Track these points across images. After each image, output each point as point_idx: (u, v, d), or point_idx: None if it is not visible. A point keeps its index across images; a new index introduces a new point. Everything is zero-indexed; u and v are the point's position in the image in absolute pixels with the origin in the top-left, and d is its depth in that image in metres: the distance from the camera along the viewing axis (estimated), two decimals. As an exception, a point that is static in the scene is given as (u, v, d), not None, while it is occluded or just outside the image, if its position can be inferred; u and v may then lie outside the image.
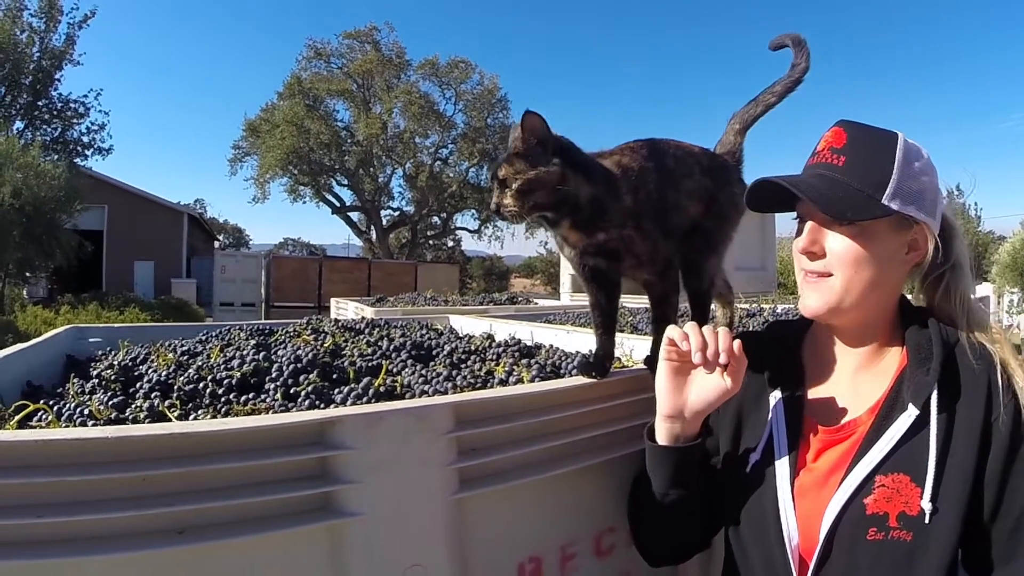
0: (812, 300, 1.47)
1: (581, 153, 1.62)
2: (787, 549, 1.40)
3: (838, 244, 1.42)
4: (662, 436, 1.51)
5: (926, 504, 1.29)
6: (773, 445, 1.50)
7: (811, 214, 1.45)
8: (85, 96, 28.34)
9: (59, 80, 27.47)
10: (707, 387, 1.45)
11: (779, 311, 4.13)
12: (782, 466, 1.46)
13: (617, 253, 1.64)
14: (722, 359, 1.41)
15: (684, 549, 1.66)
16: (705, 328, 1.44)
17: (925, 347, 1.43)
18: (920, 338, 1.45)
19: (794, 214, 1.51)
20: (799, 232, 1.48)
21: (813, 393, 1.55)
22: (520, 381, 1.87)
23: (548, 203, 1.56)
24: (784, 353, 1.61)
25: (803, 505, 1.41)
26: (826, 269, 1.44)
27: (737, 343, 1.42)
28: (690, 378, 1.48)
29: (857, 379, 1.51)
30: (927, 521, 1.29)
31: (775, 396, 1.54)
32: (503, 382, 1.88)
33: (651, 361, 1.72)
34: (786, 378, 1.56)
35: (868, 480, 1.35)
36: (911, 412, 1.36)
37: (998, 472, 1.31)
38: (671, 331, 1.47)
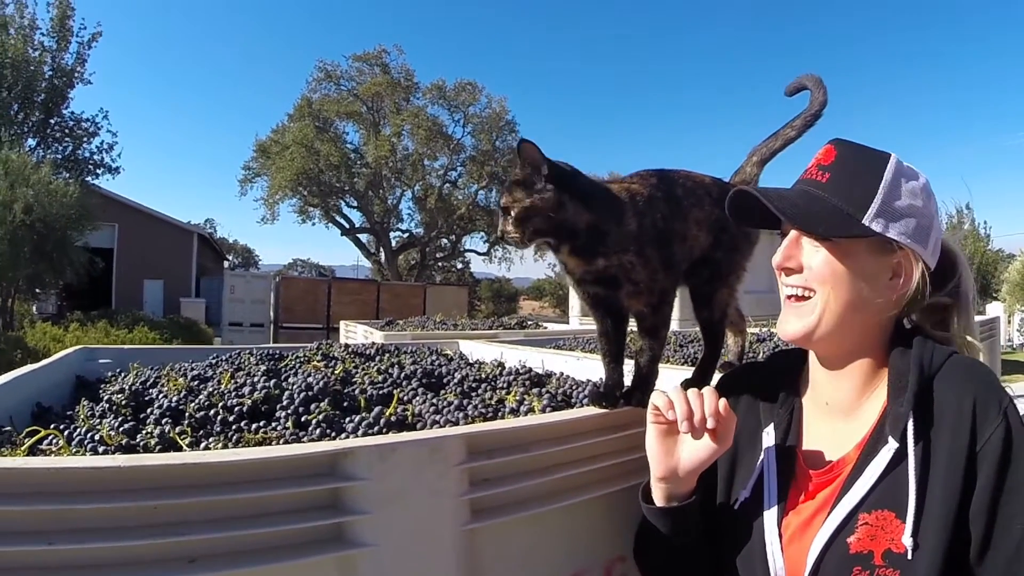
0: (790, 324, 1.45)
1: (580, 179, 1.62)
2: None
3: (815, 260, 1.40)
4: (658, 497, 1.50)
5: (907, 540, 1.24)
6: (763, 485, 1.47)
7: (791, 230, 1.44)
8: (96, 115, 28.57)
9: (71, 98, 27.69)
10: (698, 447, 1.43)
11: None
12: (769, 506, 1.43)
13: (616, 280, 1.63)
14: (709, 424, 1.39)
15: None
16: (690, 392, 1.42)
17: (903, 375, 1.38)
18: (901, 365, 1.40)
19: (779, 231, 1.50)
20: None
21: (808, 429, 1.52)
22: (531, 410, 1.86)
23: (546, 229, 1.57)
24: (781, 387, 1.58)
25: (791, 547, 1.38)
26: (805, 285, 1.41)
27: (723, 403, 1.40)
28: (680, 438, 1.46)
29: (849, 414, 1.47)
30: (909, 557, 1.24)
31: (768, 434, 1.52)
32: (514, 411, 1.88)
33: (630, 395, 1.72)
34: (780, 415, 1.54)
35: (850, 519, 1.31)
36: (891, 445, 1.31)
37: (986, 502, 1.25)
38: (656, 398, 1.45)
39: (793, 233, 1.43)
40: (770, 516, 1.42)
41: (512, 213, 1.57)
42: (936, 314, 1.50)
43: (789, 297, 1.45)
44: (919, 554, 1.24)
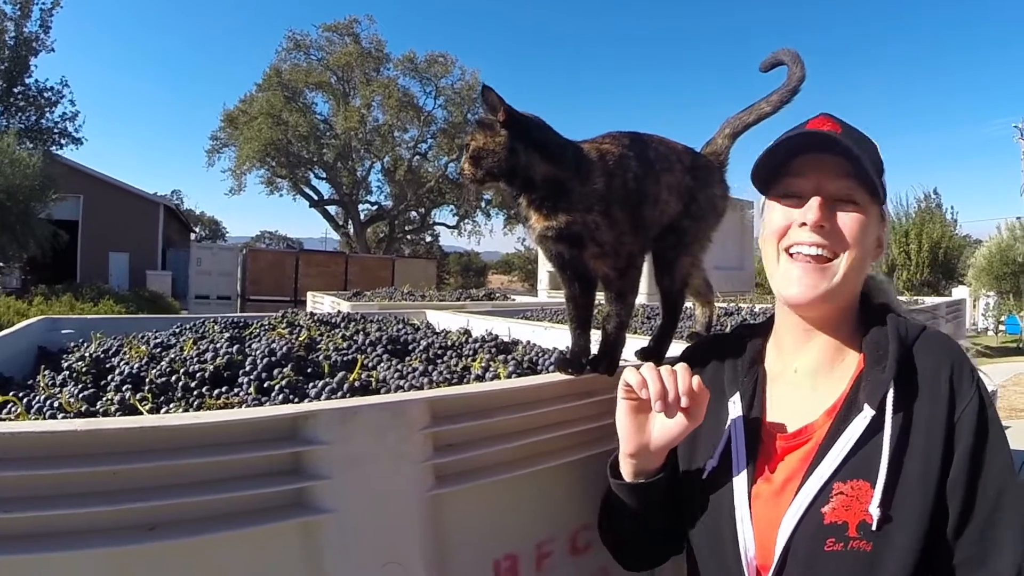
0: (813, 284, 1.40)
1: (544, 131, 1.61)
2: (743, 562, 1.37)
3: (852, 221, 1.39)
4: (626, 472, 1.50)
5: (874, 510, 1.24)
6: (731, 452, 1.47)
7: (821, 188, 1.41)
8: (59, 83, 28.12)
9: (33, 68, 27.23)
10: (669, 423, 1.42)
11: (756, 311, 4.15)
12: (739, 474, 1.43)
13: (580, 240, 1.61)
14: (683, 403, 1.37)
15: (656, 557, 1.64)
16: (663, 369, 1.40)
17: (882, 345, 1.39)
18: (878, 336, 1.42)
19: (780, 192, 1.48)
20: (792, 206, 1.44)
21: (772, 397, 1.52)
22: (497, 377, 1.86)
23: (498, 172, 1.58)
24: (746, 356, 1.58)
25: (760, 515, 1.38)
26: (830, 246, 1.40)
27: (696, 380, 1.39)
28: (651, 415, 1.45)
29: (817, 381, 1.47)
30: (874, 528, 1.24)
31: (734, 401, 1.51)
32: (480, 378, 1.87)
33: (596, 362, 1.71)
34: (745, 384, 1.53)
35: (825, 488, 1.30)
36: (867, 413, 1.31)
37: (964, 472, 1.26)
38: (628, 375, 1.43)
39: (828, 191, 1.41)
40: (740, 484, 1.42)
41: (468, 151, 1.59)
42: None
43: (810, 257, 1.41)
44: (895, 527, 1.24)
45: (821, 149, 1.42)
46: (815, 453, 1.35)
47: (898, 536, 1.24)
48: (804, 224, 1.41)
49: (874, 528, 1.24)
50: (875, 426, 1.31)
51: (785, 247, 1.45)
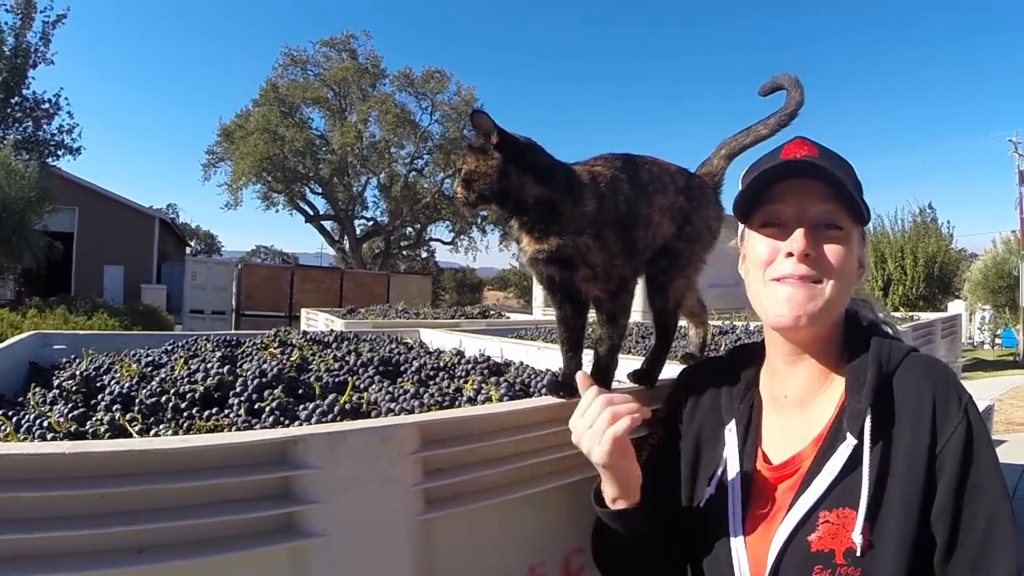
0: (796, 304, 1.40)
1: (533, 152, 1.62)
2: None
3: (836, 248, 1.40)
4: (609, 501, 1.49)
5: (856, 537, 1.25)
6: (726, 480, 1.47)
7: (801, 217, 1.42)
8: (56, 95, 28.13)
9: (31, 79, 27.25)
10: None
11: (751, 328, 4.15)
12: (734, 503, 1.43)
13: (572, 262, 1.60)
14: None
15: None
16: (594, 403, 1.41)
17: (862, 371, 1.39)
18: (859, 362, 1.41)
19: (762, 219, 1.49)
20: (776, 237, 1.45)
21: (767, 424, 1.52)
22: (489, 399, 1.85)
23: (490, 195, 1.58)
24: (741, 382, 1.59)
25: (754, 544, 1.38)
26: (817, 273, 1.40)
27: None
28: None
29: (807, 409, 1.47)
30: (859, 554, 1.25)
31: (730, 430, 1.52)
32: (471, 400, 1.86)
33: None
34: (741, 411, 1.54)
35: (810, 516, 1.31)
36: (850, 442, 1.32)
37: (949, 503, 1.26)
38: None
39: (810, 219, 1.42)
40: (734, 513, 1.42)
41: (460, 175, 1.59)
42: None
43: (797, 285, 1.41)
44: (880, 553, 1.25)
45: (804, 175, 1.43)
46: (801, 482, 1.36)
47: (885, 562, 1.24)
48: (790, 254, 1.41)
49: (858, 554, 1.25)
50: (857, 454, 1.31)
51: (772, 278, 1.45)
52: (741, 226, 1.56)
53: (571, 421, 1.44)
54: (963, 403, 1.31)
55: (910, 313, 7.51)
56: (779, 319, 1.44)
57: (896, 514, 1.26)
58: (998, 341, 27.28)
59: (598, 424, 1.37)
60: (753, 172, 1.50)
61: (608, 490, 1.47)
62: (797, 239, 1.40)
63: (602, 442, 1.37)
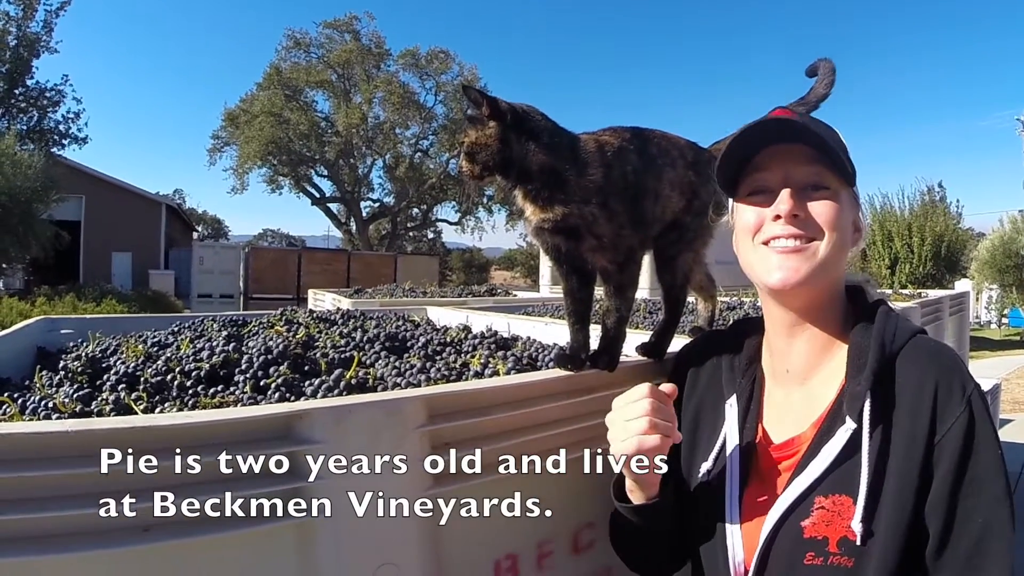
0: (790, 267, 1.36)
1: (537, 120, 1.60)
2: (731, 569, 1.36)
3: (825, 206, 1.36)
4: (627, 491, 1.47)
5: (856, 526, 1.21)
6: (725, 457, 1.45)
7: (789, 177, 1.38)
8: (60, 84, 28.13)
9: (35, 68, 27.24)
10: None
11: (759, 304, 4.13)
12: (732, 482, 1.41)
13: (577, 232, 1.59)
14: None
15: (671, 568, 1.60)
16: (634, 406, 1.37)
17: (863, 351, 1.34)
18: (861, 341, 1.36)
19: (748, 189, 1.45)
20: (762, 204, 1.41)
21: (768, 402, 1.49)
22: (496, 373, 1.84)
23: (493, 165, 1.58)
24: (743, 355, 1.56)
25: (750, 523, 1.36)
26: (807, 233, 1.36)
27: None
28: None
29: (809, 386, 1.43)
30: (859, 543, 1.21)
31: (731, 405, 1.49)
32: (478, 374, 1.85)
33: (596, 358, 1.69)
34: (743, 385, 1.51)
35: (804, 501, 1.28)
36: (848, 426, 1.28)
37: (944, 496, 1.21)
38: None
39: (796, 181, 1.38)
40: (731, 491, 1.40)
41: (463, 148, 1.60)
42: None
43: (788, 248, 1.37)
44: (873, 542, 1.22)
45: (783, 139, 1.40)
46: (797, 464, 1.33)
47: (878, 553, 1.21)
48: (778, 217, 1.38)
49: (858, 543, 1.22)
50: (856, 439, 1.27)
51: (761, 241, 1.41)
52: (731, 201, 1.53)
53: (615, 400, 1.40)
54: (967, 394, 1.25)
55: (918, 291, 7.44)
56: (775, 283, 1.39)
57: (890, 505, 1.22)
58: (1005, 321, 27.21)
59: (632, 425, 1.35)
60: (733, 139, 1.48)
61: (625, 482, 1.45)
62: (784, 200, 1.36)
63: (625, 442, 1.35)
